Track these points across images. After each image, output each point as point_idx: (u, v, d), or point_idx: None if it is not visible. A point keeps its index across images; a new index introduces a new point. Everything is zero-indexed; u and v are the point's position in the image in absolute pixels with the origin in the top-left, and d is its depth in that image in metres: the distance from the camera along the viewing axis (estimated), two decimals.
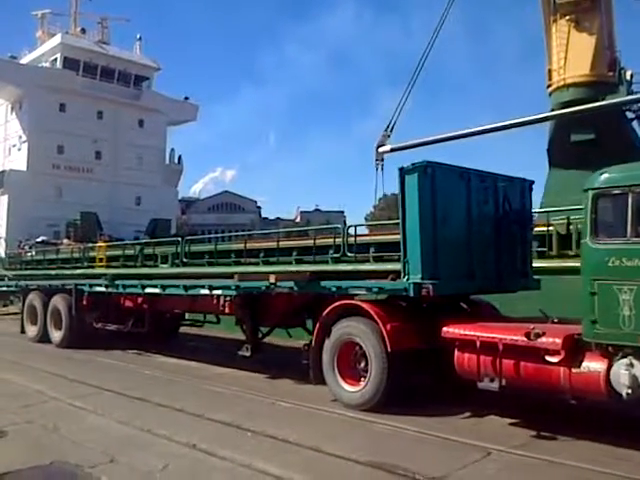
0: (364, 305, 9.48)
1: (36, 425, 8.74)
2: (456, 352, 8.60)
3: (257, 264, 20.09)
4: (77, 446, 7.74)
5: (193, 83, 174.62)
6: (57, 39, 48.16)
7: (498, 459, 7.01)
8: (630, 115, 27.48)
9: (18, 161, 46.31)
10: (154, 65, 52.95)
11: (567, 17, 26.81)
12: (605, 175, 7.40)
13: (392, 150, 24.43)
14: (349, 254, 18.19)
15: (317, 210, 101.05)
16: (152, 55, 53.59)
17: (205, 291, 12.68)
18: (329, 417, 9.11)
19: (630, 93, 26.63)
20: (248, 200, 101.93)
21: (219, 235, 29.08)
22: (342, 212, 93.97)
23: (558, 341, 7.46)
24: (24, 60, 49.73)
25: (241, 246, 21.85)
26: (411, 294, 8.91)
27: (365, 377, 9.33)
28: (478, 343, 8.20)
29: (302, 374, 11.30)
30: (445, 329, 8.74)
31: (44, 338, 17.38)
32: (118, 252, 25.70)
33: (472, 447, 7.40)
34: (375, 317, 9.17)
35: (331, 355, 9.84)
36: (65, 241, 37.78)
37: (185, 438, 7.89)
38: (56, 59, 47.90)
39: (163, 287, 13.85)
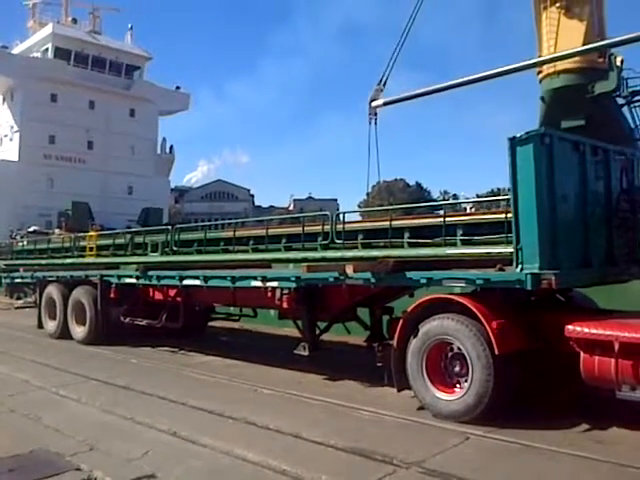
0: (462, 299, 8.04)
1: (19, 414, 8.76)
2: (583, 355, 7.23)
3: (246, 252, 20.14)
4: (58, 434, 7.77)
5: (201, 64, 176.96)
6: (48, 29, 48.19)
7: (476, 443, 7.05)
8: (621, 101, 27.49)
9: (10, 151, 46.44)
10: (145, 54, 53.02)
11: (557, 4, 26.78)
12: None
13: (385, 104, 24.72)
14: (337, 241, 18.23)
15: (310, 198, 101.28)
16: (148, 44, 54.03)
17: (257, 283, 11.17)
18: (310, 404, 9.09)
19: (620, 79, 26.67)
20: (241, 188, 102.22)
21: (209, 223, 29.16)
22: (335, 200, 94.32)
23: None
24: (15, 50, 49.76)
25: (230, 234, 21.86)
26: (528, 287, 7.49)
27: (461, 383, 8.05)
28: (617, 345, 6.83)
29: (285, 361, 11.37)
30: (569, 327, 7.35)
31: (64, 334, 16.13)
32: (108, 241, 25.64)
33: (452, 432, 7.43)
34: (477, 313, 7.75)
35: (419, 358, 8.34)
36: (57, 231, 37.80)
37: (166, 425, 7.91)
38: (47, 49, 47.97)
39: (205, 279, 12.43)
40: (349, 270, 9.25)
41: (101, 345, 14.77)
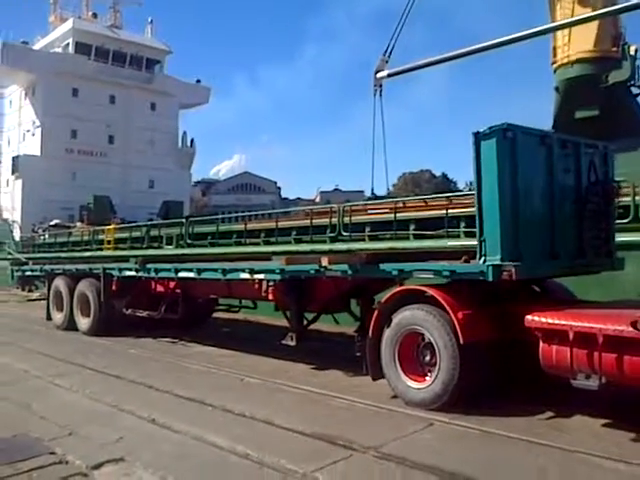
0: (430, 290, 8.22)
1: (10, 402, 9.09)
2: (542, 344, 7.35)
3: (258, 244, 20.40)
4: (43, 421, 8.06)
5: (236, 52, 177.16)
6: (69, 24, 48.67)
7: (438, 429, 7.24)
8: (635, 91, 27.31)
9: (32, 146, 47.05)
10: (165, 48, 53.42)
11: None
12: None
13: (389, 75, 24.82)
14: (344, 233, 18.37)
15: (337, 190, 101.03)
16: (178, 34, 54.74)
17: (245, 275, 11.46)
18: (291, 392, 9.33)
19: (634, 68, 26.49)
20: (268, 181, 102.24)
21: (222, 216, 29.38)
22: (362, 192, 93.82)
23: None
24: (37, 46, 50.35)
25: (242, 227, 22.10)
26: (489, 278, 7.66)
27: (431, 372, 8.20)
28: (571, 334, 6.96)
29: (277, 351, 11.64)
30: (529, 317, 7.48)
31: (71, 325, 16.57)
32: (125, 234, 26.03)
33: (418, 419, 7.63)
34: (443, 304, 7.95)
35: (392, 347, 8.55)
36: (78, 224, 38.31)
37: (147, 413, 8.18)
38: (68, 44, 48.45)
39: (199, 271, 12.70)
40: (324, 262, 9.48)
41: (105, 336, 15.11)
